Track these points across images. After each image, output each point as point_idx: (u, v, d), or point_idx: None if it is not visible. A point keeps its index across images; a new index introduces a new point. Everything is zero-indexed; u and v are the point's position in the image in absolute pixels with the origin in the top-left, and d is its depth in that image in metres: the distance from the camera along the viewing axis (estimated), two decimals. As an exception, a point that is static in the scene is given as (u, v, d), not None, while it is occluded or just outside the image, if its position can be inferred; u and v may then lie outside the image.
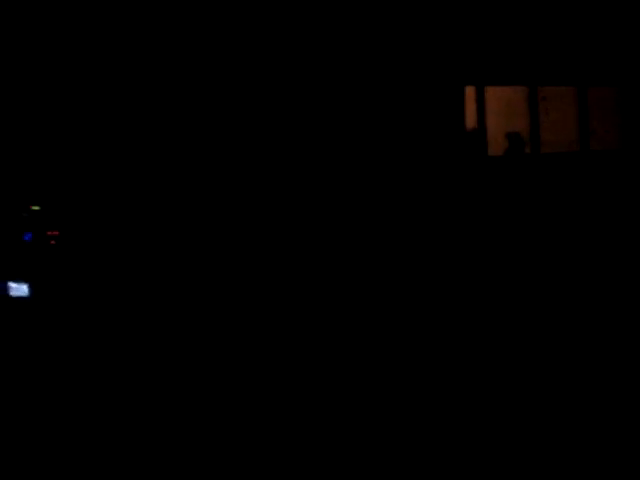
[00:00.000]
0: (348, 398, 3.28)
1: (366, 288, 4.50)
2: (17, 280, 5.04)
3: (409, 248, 4.82)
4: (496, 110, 8.70)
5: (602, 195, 7.44)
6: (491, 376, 3.53)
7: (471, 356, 3.82)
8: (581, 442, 2.70)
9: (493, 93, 8.70)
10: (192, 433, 3.25)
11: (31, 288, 4.99)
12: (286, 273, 4.79)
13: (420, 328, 4.17)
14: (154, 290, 4.96)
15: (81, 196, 5.89)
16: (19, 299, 4.95)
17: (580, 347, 3.91)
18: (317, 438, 2.89)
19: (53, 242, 5.92)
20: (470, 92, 8.36)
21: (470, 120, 8.37)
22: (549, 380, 3.45)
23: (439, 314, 4.36)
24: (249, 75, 6.76)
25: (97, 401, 3.99)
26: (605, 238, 6.19)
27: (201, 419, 3.39)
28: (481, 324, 4.26)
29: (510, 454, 2.64)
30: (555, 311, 4.52)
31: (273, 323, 4.23)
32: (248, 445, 2.92)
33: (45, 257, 5.29)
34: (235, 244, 5.05)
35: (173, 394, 3.80)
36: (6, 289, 5.03)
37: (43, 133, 6.15)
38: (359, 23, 7.17)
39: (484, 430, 2.88)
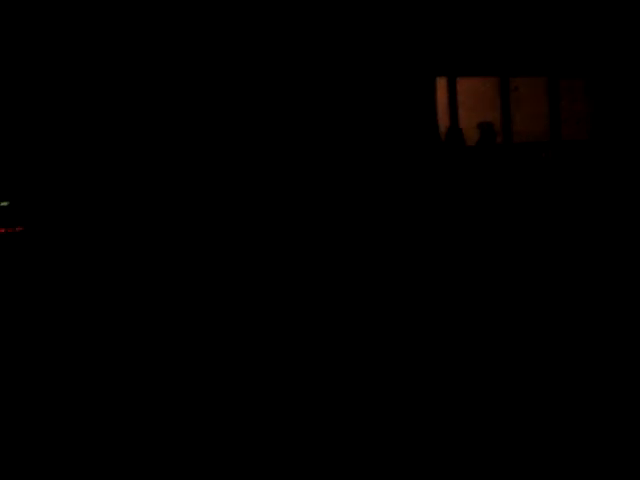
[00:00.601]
0: (341, 395, 3.26)
1: (342, 276, 4.50)
2: None
3: (380, 236, 4.83)
4: (468, 101, 8.74)
5: (572, 184, 7.51)
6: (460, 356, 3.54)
7: (439, 342, 3.84)
8: (580, 442, 2.70)
9: (465, 84, 8.74)
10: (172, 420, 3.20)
11: None
12: (261, 263, 4.78)
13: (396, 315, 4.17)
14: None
15: (45, 193, 5.99)
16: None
17: (551, 334, 3.94)
18: (316, 436, 2.87)
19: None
20: (442, 83, 8.38)
21: (442, 111, 8.40)
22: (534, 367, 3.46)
23: (414, 300, 4.37)
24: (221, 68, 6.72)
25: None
26: (575, 225, 6.26)
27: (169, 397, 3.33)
28: (457, 310, 4.28)
29: (509, 453, 2.63)
30: (530, 296, 4.55)
31: (257, 315, 4.20)
32: (247, 443, 2.88)
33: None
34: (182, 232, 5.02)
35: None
36: None
37: (17, 132, 6.09)
38: (329, 13, 7.15)
39: (483, 427, 2.87)
